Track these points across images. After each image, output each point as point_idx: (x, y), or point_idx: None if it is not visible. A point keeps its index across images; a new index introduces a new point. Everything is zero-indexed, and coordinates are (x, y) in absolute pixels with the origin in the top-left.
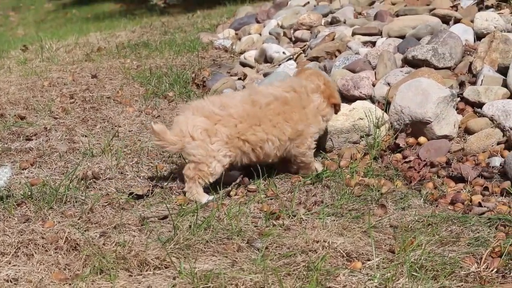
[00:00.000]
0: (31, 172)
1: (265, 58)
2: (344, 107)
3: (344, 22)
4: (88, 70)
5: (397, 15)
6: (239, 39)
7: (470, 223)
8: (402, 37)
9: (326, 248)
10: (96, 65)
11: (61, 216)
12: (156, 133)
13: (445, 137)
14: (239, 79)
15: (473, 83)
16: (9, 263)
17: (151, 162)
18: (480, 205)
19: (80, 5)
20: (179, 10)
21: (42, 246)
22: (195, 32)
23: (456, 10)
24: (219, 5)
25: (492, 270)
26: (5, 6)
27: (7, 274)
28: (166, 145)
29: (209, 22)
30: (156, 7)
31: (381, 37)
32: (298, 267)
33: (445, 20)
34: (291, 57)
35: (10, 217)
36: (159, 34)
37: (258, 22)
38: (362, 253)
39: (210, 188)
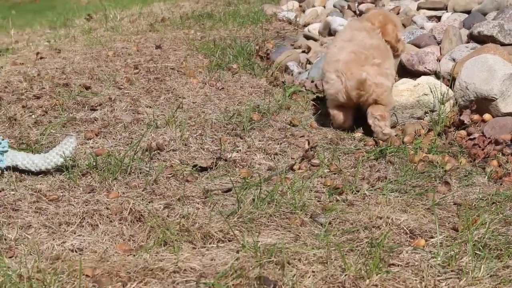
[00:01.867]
0: (96, 143)
1: (329, 31)
2: (409, 82)
3: None
4: (152, 40)
5: None
6: (303, 11)
7: None
8: (468, 12)
9: (389, 224)
10: (160, 35)
11: (125, 187)
12: None
13: (510, 114)
14: (303, 52)
15: None
16: (74, 233)
17: (215, 135)
18: None
19: None
20: None
21: (107, 217)
22: (259, 3)
23: None
24: None
25: None
26: None
27: (72, 244)
28: None
29: None
30: None
31: (447, 11)
32: (361, 243)
33: None
34: None
35: (75, 187)
36: (223, 5)
37: None
38: (426, 230)
39: (273, 161)
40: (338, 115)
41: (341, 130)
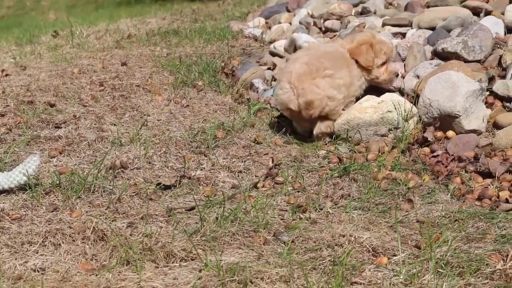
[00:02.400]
0: (60, 161)
1: (295, 47)
2: (373, 99)
3: (375, 13)
4: (118, 57)
5: (428, 6)
6: (269, 28)
7: (497, 219)
8: (433, 28)
9: (352, 242)
10: (126, 52)
11: (88, 206)
12: None
13: (474, 131)
14: (269, 68)
15: (503, 77)
16: (37, 252)
17: (179, 152)
18: (507, 201)
19: None
20: None
21: (70, 236)
22: (226, 20)
23: (487, 2)
24: None
25: None
26: None
27: (34, 264)
28: None
29: (240, 10)
30: None
31: (411, 28)
32: (324, 261)
33: (476, 12)
34: None
35: (38, 206)
36: (190, 22)
37: (288, 11)
38: (388, 248)
39: (237, 179)
40: (299, 122)
41: (307, 138)
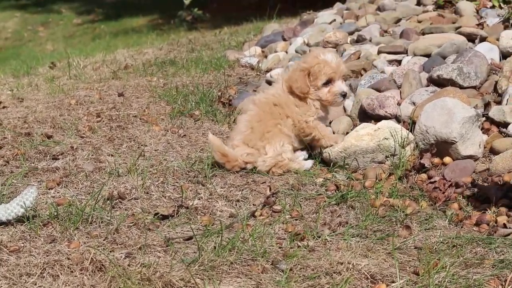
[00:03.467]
0: (57, 192)
1: None
2: (370, 126)
3: (370, 40)
4: (115, 88)
5: (423, 33)
6: (266, 56)
7: (495, 244)
8: (428, 55)
9: (350, 270)
10: (123, 83)
11: (86, 237)
12: None
13: (470, 157)
14: None
15: (499, 103)
16: (35, 284)
17: (177, 182)
18: (505, 226)
19: (109, 20)
20: (207, 26)
21: (68, 267)
22: (222, 49)
23: (482, 28)
24: (246, 21)
25: None
26: (35, 21)
27: None
28: None
29: (236, 39)
30: (184, 22)
31: (407, 55)
32: None
33: (471, 38)
34: None
35: (36, 238)
36: (186, 52)
37: (284, 40)
38: (387, 275)
39: (235, 208)
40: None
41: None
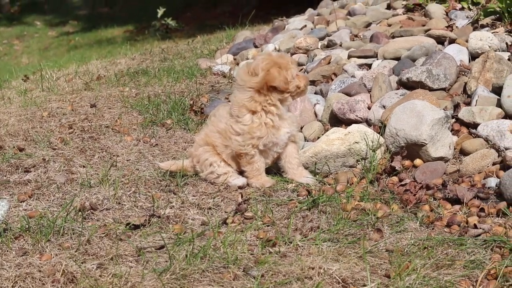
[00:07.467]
0: (29, 205)
1: None
2: (340, 131)
3: (340, 45)
4: (87, 99)
5: (393, 37)
6: (237, 64)
7: (465, 245)
8: (398, 58)
9: (321, 274)
10: (95, 94)
11: (58, 249)
12: None
13: (441, 158)
14: None
15: (468, 104)
16: None
17: (149, 192)
18: (476, 227)
19: (84, 31)
20: (180, 35)
21: (39, 280)
22: (194, 58)
23: (451, 31)
24: (219, 29)
25: None
26: (10, 34)
27: None
28: None
29: (208, 48)
30: (157, 32)
31: (377, 59)
32: None
33: (440, 40)
34: None
35: (7, 251)
36: (159, 61)
37: (256, 46)
38: (358, 278)
39: (207, 216)
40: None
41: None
